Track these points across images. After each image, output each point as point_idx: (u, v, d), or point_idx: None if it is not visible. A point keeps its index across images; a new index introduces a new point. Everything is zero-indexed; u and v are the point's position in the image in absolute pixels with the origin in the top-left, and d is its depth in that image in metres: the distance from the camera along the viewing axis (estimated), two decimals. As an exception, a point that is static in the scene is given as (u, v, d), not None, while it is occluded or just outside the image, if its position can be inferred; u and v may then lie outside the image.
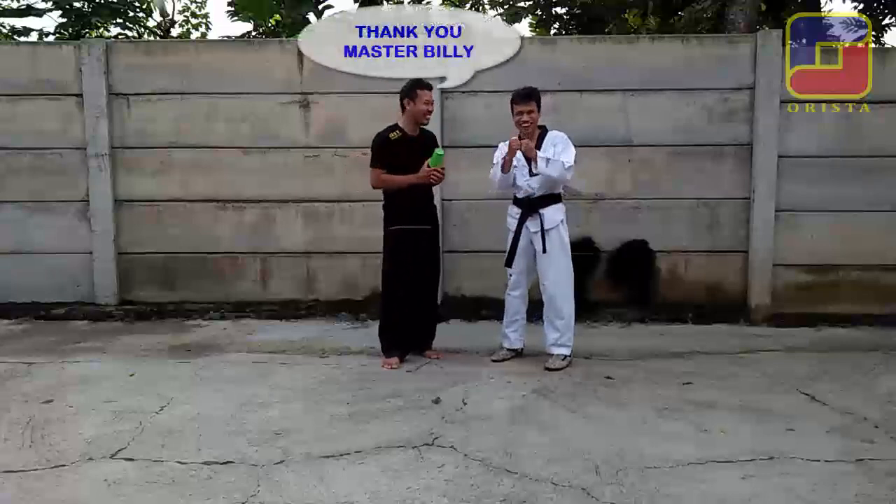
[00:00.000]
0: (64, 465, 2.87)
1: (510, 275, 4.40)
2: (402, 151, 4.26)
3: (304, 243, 5.80)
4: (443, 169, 4.28)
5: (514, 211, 4.36)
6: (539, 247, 4.24)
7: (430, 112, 4.34)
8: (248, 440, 3.11)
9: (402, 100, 4.33)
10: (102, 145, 5.70)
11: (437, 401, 3.62)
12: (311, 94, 5.70)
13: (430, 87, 4.34)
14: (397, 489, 2.64)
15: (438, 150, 4.26)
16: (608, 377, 4.05)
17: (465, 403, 3.59)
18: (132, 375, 4.11)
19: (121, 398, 3.68)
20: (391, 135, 4.29)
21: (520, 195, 4.31)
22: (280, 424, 3.30)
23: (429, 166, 4.23)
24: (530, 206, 4.26)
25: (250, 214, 5.80)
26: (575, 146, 4.20)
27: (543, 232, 4.22)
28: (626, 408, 3.53)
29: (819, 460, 2.88)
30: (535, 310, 4.47)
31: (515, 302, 4.41)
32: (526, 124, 4.19)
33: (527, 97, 4.20)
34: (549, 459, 2.89)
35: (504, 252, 4.38)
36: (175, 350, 4.73)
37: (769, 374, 4.13)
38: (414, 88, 4.28)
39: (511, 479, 2.72)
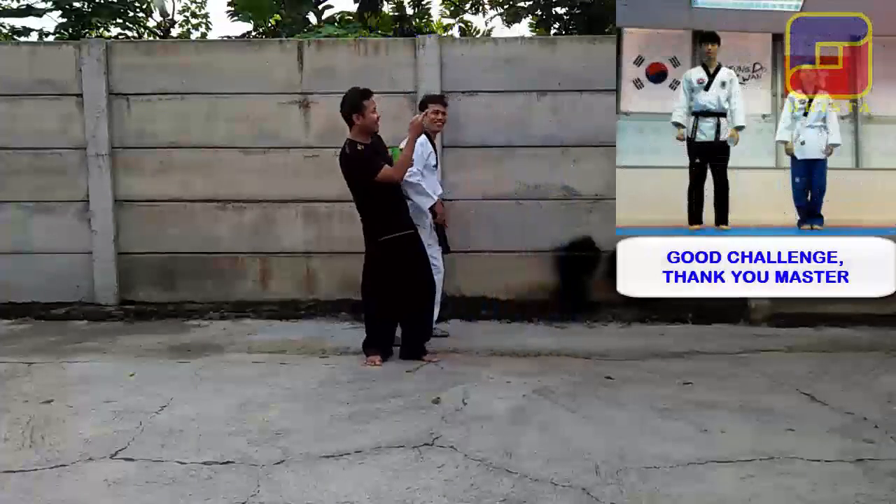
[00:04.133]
0: (64, 465, 2.88)
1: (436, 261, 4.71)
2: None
3: (304, 243, 5.80)
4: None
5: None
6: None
7: (379, 117, 4.24)
8: (248, 440, 3.12)
9: (349, 116, 4.20)
10: (102, 145, 5.70)
11: (436, 401, 3.62)
12: (311, 94, 5.69)
13: (371, 94, 4.22)
14: (397, 489, 2.64)
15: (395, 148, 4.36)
16: (608, 377, 4.06)
17: (464, 403, 3.59)
18: (132, 375, 4.11)
19: (121, 398, 3.69)
20: (359, 147, 4.20)
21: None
22: (280, 424, 3.30)
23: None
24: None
25: (250, 214, 5.80)
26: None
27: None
28: (626, 408, 3.53)
29: (819, 460, 2.88)
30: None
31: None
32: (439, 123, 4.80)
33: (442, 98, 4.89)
34: (549, 459, 2.89)
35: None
36: (175, 350, 4.73)
37: (769, 374, 4.13)
38: (359, 102, 4.16)
39: (511, 479, 2.72)
